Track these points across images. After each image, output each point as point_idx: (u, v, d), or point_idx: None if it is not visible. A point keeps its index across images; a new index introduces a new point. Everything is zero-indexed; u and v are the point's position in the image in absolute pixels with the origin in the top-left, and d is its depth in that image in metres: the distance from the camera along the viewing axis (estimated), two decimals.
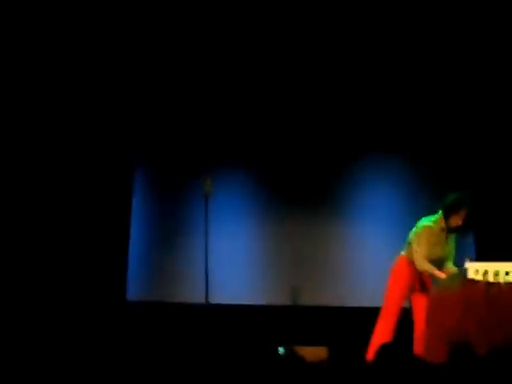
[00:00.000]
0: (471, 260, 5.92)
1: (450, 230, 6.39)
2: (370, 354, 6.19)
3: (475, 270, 5.74)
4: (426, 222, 6.40)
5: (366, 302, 7.92)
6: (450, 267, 6.39)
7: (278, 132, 8.66)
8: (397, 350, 4.25)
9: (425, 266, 6.27)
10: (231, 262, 8.49)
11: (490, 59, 8.14)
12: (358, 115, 8.57)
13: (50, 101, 8.36)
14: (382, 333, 6.40)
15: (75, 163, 8.42)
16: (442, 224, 6.34)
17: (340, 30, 8.40)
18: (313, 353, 6.69)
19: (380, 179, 8.59)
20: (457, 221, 6.32)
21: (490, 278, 5.69)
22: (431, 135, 8.43)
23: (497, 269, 5.68)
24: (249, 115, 8.68)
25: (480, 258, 7.16)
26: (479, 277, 5.72)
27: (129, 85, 8.63)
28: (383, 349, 4.29)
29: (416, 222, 6.47)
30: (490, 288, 5.67)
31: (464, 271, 5.84)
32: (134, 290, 8.67)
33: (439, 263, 6.35)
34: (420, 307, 6.37)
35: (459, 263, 6.09)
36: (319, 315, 8.23)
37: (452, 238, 6.48)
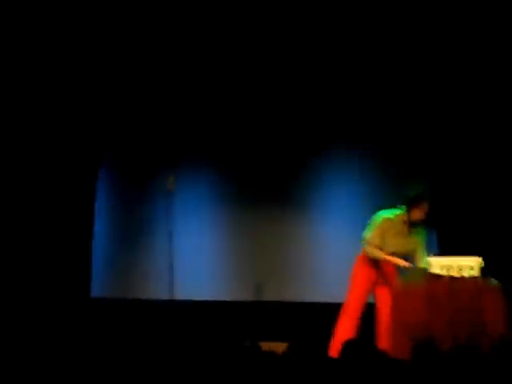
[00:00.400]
0: (435, 255, 5.94)
1: (413, 224, 6.38)
2: (333, 350, 6.18)
3: (439, 264, 5.76)
4: (384, 213, 6.44)
5: (328, 298, 7.91)
6: (421, 256, 6.37)
7: (242, 130, 8.64)
8: (361, 346, 4.25)
9: (374, 252, 6.35)
10: (195, 258, 8.46)
11: (447, 51, 8.15)
12: (319, 112, 8.56)
13: (12, 99, 8.26)
14: (345, 329, 6.39)
15: (38, 163, 8.33)
16: (404, 217, 6.35)
17: (297, 24, 8.38)
18: (273, 349, 6.67)
19: (343, 176, 8.59)
20: (418, 214, 6.32)
21: (454, 273, 5.71)
22: (394, 132, 8.43)
23: (461, 263, 5.69)
24: (211, 112, 8.66)
25: (443, 252, 7.18)
26: (443, 272, 5.74)
27: (91, 84, 8.54)
28: (348, 345, 4.30)
29: None
30: (453, 283, 5.69)
31: (428, 266, 5.86)
32: (99, 287, 8.62)
33: (406, 257, 6.35)
34: (383, 303, 6.37)
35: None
36: (282, 311, 8.24)
37: (419, 233, 6.45)
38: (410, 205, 6.31)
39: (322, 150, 8.57)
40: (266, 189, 8.57)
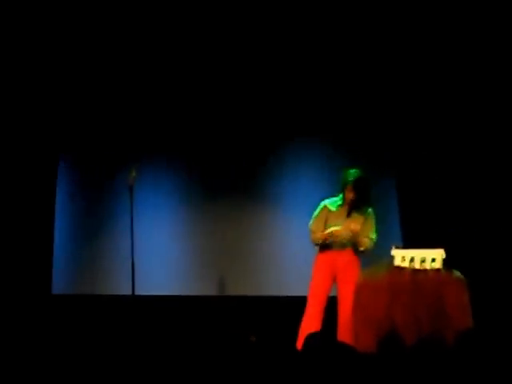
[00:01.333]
0: (397, 247, 5.93)
1: (353, 206, 6.49)
2: (299, 342, 6.18)
3: (401, 256, 5.75)
4: (324, 201, 6.63)
5: (293, 291, 7.93)
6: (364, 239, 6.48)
7: (203, 120, 8.64)
8: (323, 339, 4.24)
9: (314, 236, 6.51)
10: (157, 252, 8.41)
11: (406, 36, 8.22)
12: (280, 100, 8.59)
13: None
14: (310, 322, 6.40)
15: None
16: (341, 201, 6.54)
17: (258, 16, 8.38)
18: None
19: (304, 165, 8.60)
20: (348, 195, 6.47)
21: (417, 265, 5.70)
22: (355, 119, 8.49)
23: (423, 255, 5.69)
24: (173, 104, 8.63)
25: (407, 245, 7.21)
26: (405, 264, 5.73)
27: (52, 78, 8.45)
28: (309, 338, 4.28)
29: None
30: (416, 275, 5.68)
31: (390, 258, 5.85)
32: (60, 284, 8.57)
33: (350, 239, 6.44)
34: (344, 295, 6.36)
35: (385, 250, 6.08)
36: (246, 305, 8.20)
37: (362, 215, 6.52)
38: (341, 187, 6.51)
39: (284, 140, 8.60)
40: (227, 179, 8.59)
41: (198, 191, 8.58)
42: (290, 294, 8.11)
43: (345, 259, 6.44)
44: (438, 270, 5.69)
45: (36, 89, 8.39)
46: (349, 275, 6.36)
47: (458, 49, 8.00)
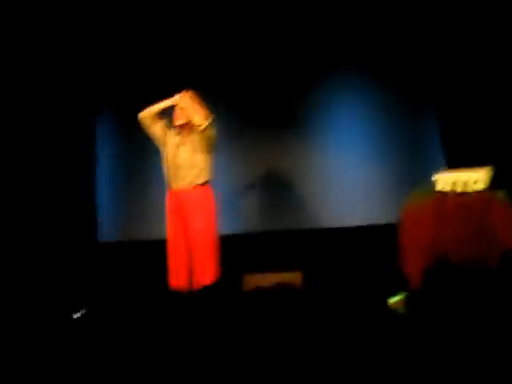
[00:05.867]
0: (439, 171, 5.85)
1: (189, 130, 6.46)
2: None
3: (443, 181, 5.68)
4: None
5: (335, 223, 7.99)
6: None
7: (243, 56, 8.57)
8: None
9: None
10: None
11: None
12: (318, 35, 8.45)
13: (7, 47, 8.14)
14: None
15: (37, 108, 8.24)
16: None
17: None
18: (287, 278, 6.66)
19: (344, 100, 8.51)
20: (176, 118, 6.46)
21: (459, 188, 5.62)
22: (393, 49, 8.36)
23: (465, 178, 5.61)
24: (207, 42, 8.56)
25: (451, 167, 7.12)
26: (448, 188, 5.66)
27: (87, 28, 8.42)
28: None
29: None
30: (459, 198, 5.61)
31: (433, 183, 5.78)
32: (105, 232, 8.60)
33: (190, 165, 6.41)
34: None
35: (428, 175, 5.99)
36: (290, 239, 8.20)
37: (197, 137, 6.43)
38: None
39: (323, 75, 8.50)
40: (269, 115, 8.50)
41: (238, 127, 8.50)
42: (332, 226, 8.13)
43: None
44: (481, 191, 5.61)
45: (76, 42, 8.37)
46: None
47: None
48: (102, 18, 8.45)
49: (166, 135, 6.50)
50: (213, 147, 6.44)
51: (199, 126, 6.22)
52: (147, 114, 6.45)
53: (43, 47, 8.21)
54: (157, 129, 6.50)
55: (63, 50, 8.37)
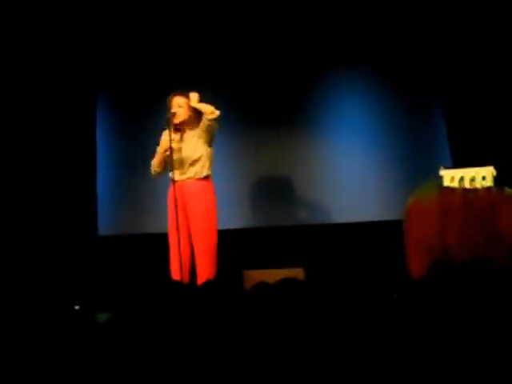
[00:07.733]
0: (446, 167, 5.78)
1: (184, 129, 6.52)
2: None
3: (450, 177, 5.60)
4: None
5: (342, 218, 7.92)
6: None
7: (247, 47, 8.52)
8: None
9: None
10: None
11: None
12: (323, 30, 8.40)
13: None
14: None
15: (36, 96, 8.19)
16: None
17: None
18: (289, 275, 6.58)
19: (349, 96, 8.46)
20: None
21: (467, 185, 5.54)
22: (398, 46, 8.29)
23: (473, 174, 5.54)
24: (213, 34, 8.49)
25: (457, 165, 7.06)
26: (455, 184, 5.58)
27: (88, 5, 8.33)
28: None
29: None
30: (467, 194, 5.53)
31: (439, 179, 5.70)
32: (105, 225, 8.51)
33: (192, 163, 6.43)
34: None
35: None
36: (293, 235, 8.12)
37: (195, 133, 6.48)
38: None
39: (327, 67, 8.46)
40: (274, 110, 8.42)
41: (241, 121, 8.42)
42: (339, 222, 8.07)
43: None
44: (489, 188, 5.53)
45: (76, 19, 8.29)
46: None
47: None
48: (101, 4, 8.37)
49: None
50: (213, 141, 6.52)
51: (211, 113, 6.28)
52: (157, 170, 6.62)
53: (40, 35, 8.17)
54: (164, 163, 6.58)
55: (62, 43, 8.31)
